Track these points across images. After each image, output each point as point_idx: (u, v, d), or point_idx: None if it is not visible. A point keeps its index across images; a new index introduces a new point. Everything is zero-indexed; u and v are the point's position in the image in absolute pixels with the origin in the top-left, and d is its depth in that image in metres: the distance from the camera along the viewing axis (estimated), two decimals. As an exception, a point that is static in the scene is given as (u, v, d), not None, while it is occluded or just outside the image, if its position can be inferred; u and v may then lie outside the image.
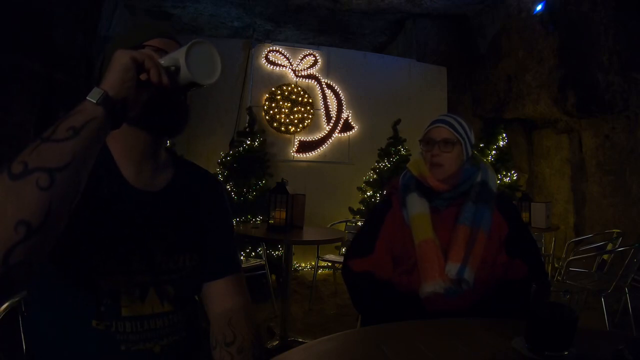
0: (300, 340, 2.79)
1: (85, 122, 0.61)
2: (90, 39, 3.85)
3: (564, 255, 4.17)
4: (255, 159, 4.60)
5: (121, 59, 0.66)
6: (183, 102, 0.83)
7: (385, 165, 4.87)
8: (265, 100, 5.10)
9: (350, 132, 5.40)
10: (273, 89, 5.14)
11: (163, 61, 0.72)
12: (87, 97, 0.63)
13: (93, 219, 0.78)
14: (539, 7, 4.78)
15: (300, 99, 5.19)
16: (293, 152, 5.18)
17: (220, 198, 1.01)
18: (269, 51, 5.19)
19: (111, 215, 0.81)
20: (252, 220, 4.29)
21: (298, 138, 5.20)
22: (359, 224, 4.13)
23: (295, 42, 6.31)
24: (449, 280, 1.32)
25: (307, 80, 5.30)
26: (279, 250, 4.23)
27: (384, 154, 4.95)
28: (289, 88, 5.18)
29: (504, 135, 5.31)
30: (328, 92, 5.35)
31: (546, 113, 4.83)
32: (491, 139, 5.32)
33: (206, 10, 5.75)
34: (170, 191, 0.91)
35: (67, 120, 0.61)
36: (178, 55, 0.72)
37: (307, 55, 5.32)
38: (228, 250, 0.99)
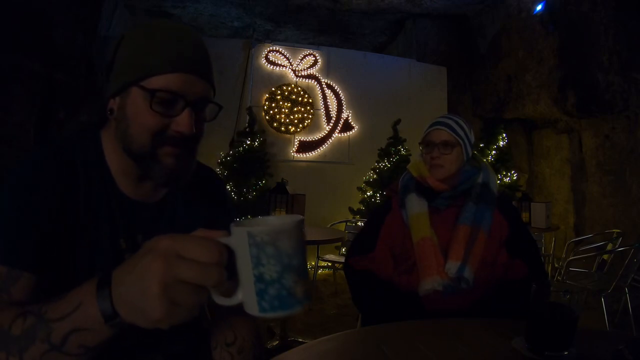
0: (300, 340, 2.79)
1: (98, 342, 0.55)
2: (90, 39, 3.85)
3: (564, 255, 4.17)
4: (255, 159, 4.60)
5: (151, 288, 0.46)
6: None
7: (385, 165, 4.87)
8: (265, 100, 5.10)
9: (350, 132, 5.40)
10: (273, 89, 5.14)
11: (218, 299, 0.49)
12: (101, 309, 0.51)
13: (91, 236, 0.75)
14: (539, 7, 4.78)
15: (300, 99, 5.19)
16: (293, 152, 5.18)
17: (222, 197, 0.98)
18: (269, 51, 5.19)
19: (110, 231, 0.77)
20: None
21: (298, 138, 5.20)
22: (359, 224, 4.13)
23: (295, 42, 6.31)
24: (447, 277, 1.32)
25: (307, 80, 5.30)
26: (279, 250, 4.22)
27: (384, 154, 4.95)
28: (289, 88, 5.18)
29: (504, 135, 5.31)
30: (328, 92, 5.35)
31: (546, 113, 4.83)
32: (491, 139, 5.32)
33: (206, 10, 5.75)
34: (171, 198, 0.87)
35: (79, 334, 0.54)
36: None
37: (307, 55, 5.32)
38: None
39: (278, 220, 0.52)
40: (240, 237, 0.46)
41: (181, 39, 0.74)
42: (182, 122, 0.73)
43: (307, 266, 0.49)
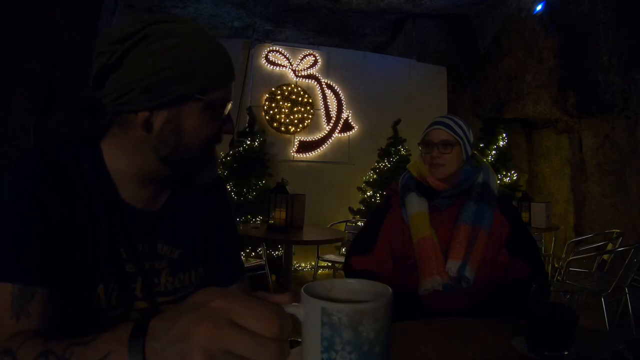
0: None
1: None
2: (90, 39, 3.85)
3: (564, 255, 4.17)
4: (255, 159, 4.60)
5: (192, 355, 0.39)
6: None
7: (385, 165, 4.87)
8: (265, 100, 5.10)
9: (350, 132, 5.40)
10: (273, 89, 5.14)
11: None
12: None
13: (91, 246, 0.72)
14: (539, 7, 4.78)
15: (300, 99, 5.19)
16: (293, 152, 5.18)
17: (224, 200, 0.95)
18: (269, 51, 5.19)
19: (110, 240, 0.74)
20: (252, 220, 4.29)
21: (298, 138, 5.20)
22: (359, 224, 4.13)
23: (295, 42, 6.31)
24: (448, 277, 1.32)
25: (307, 80, 5.30)
26: (279, 250, 4.23)
27: (384, 154, 4.95)
28: (289, 88, 5.18)
29: (504, 135, 5.31)
30: (328, 92, 5.35)
31: (546, 113, 4.83)
32: (491, 139, 5.32)
33: (206, 10, 5.75)
34: (172, 204, 0.85)
35: None
36: None
37: (307, 55, 5.32)
38: (233, 257, 0.94)
39: (360, 286, 0.43)
40: (312, 310, 0.38)
41: (219, 47, 0.77)
42: (230, 123, 0.78)
43: (390, 352, 0.39)
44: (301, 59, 5.30)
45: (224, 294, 0.41)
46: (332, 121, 5.34)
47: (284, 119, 5.12)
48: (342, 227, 4.25)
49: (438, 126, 1.44)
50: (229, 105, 0.78)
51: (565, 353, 0.79)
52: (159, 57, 0.70)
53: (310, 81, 5.30)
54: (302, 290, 0.40)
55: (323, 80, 5.34)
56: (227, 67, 0.77)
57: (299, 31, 6.45)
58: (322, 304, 0.37)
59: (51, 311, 0.63)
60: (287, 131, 5.14)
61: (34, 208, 0.65)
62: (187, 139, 0.73)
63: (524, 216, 3.71)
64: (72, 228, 0.69)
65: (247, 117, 4.80)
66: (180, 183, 0.84)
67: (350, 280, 0.44)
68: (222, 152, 4.63)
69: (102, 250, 0.73)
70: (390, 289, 0.41)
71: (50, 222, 0.66)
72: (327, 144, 5.31)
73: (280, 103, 5.12)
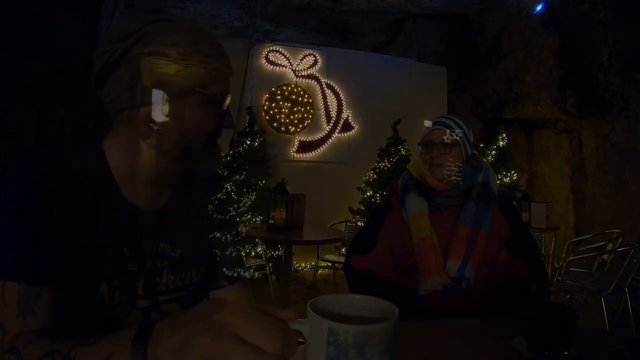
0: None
1: None
2: (90, 39, 3.85)
3: (564, 255, 4.17)
4: (256, 159, 4.60)
5: None
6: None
7: (385, 165, 4.87)
8: (265, 100, 5.10)
9: (350, 132, 5.40)
10: (273, 89, 5.14)
11: None
12: None
13: (94, 244, 0.71)
14: (539, 7, 4.78)
15: (300, 99, 5.19)
16: (293, 152, 5.18)
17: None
18: (269, 51, 5.19)
19: (113, 239, 0.74)
20: (252, 220, 4.29)
21: (298, 138, 5.20)
22: (359, 224, 4.13)
23: (295, 42, 6.31)
24: (448, 277, 1.32)
25: (307, 80, 5.30)
26: (279, 250, 4.23)
27: (384, 154, 4.95)
28: (289, 88, 5.18)
29: (504, 135, 5.31)
30: (328, 92, 5.35)
31: (546, 113, 4.83)
32: (491, 139, 5.32)
33: (206, 10, 5.75)
34: (174, 202, 0.85)
35: None
36: None
37: (307, 55, 5.32)
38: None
39: (366, 302, 0.43)
40: (318, 328, 0.39)
41: (217, 43, 0.78)
42: (229, 117, 0.79)
43: None
44: (301, 59, 5.30)
45: (230, 307, 0.42)
46: (332, 121, 5.34)
47: (284, 119, 5.12)
48: (342, 227, 4.25)
49: (438, 126, 1.44)
50: (228, 99, 0.79)
51: (565, 353, 0.79)
52: (160, 54, 0.71)
53: (310, 81, 5.30)
54: (307, 306, 0.40)
55: (323, 80, 5.34)
56: (225, 61, 0.78)
57: (299, 31, 6.45)
58: (329, 323, 0.37)
59: (56, 310, 0.64)
60: (287, 131, 5.14)
61: (36, 207, 0.65)
62: (188, 133, 0.75)
63: (524, 216, 3.70)
64: (75, 227, 0.69)
65: (247, 117, 4.80)
66: (183, 179, 0.84)
67: (357, 296, 0.44)
68: (222, 152, 4.63)
69: (105, 249, 0.73)
70: (396, 307, 0.41)
71: (53, 222, 0.66)
72: (327, 144, 5.31)
73: (280, 103, 5.12)
